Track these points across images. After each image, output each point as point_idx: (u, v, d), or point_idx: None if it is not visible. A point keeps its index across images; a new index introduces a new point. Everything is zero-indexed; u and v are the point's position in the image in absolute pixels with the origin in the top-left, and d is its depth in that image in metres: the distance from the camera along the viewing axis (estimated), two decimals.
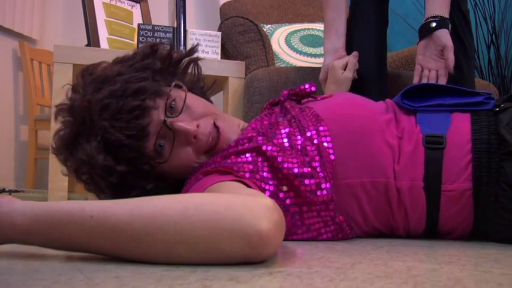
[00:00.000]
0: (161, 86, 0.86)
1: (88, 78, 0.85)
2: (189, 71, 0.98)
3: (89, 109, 0.80)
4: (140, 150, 0.82)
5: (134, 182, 0.83)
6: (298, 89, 0.99)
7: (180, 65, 0.96)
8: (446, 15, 1.21)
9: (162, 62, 0.91)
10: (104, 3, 1.92)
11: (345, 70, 1.31)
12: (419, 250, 0.73)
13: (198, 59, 0.98)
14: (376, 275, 0.52)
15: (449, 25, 1.21)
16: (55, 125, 0.87)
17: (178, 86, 0.88)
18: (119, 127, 0.79)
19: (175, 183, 0.88)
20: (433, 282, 0.49)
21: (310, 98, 1.01)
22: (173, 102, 0.85)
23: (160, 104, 0.84)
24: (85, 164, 0.82)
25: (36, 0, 3.19)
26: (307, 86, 0.99)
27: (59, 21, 3.24)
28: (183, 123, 0.83)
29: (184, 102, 0.85)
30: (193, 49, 0.98)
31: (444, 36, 1.19)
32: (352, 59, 1.32)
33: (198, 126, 0.85)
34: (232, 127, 0.90)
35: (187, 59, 0.97)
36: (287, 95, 0.99)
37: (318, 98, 0.99)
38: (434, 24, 1.20)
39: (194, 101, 0.88)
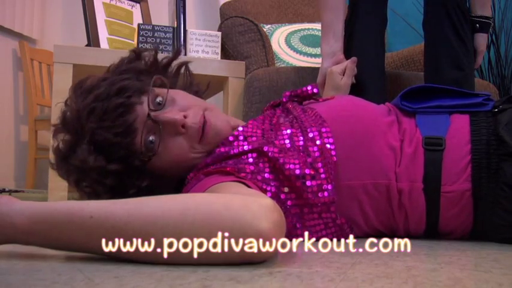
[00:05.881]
0: (145, 84, 0.86)
1: (78, 91, 0.87)
2: (182, 75, 0.98)
3: (78, 117, 0.82)
4: (129, 148, 0.82)
5: (129, 181, 0.83)
6: (300, 90, 0.98)
7: (169, 68, 0.97)
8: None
9: (147, 64, 0.93)
10: (104, 3, 1.92)
11: (343, 75, 1.30)
12: (419, 250, 0.73)
13: (187, 62, 0.99)
14: (376, 275, 0.52)
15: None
16: (54, 143, 0.87)
17: (160, 82, 0.88)
18: (106, 127, 0.80)
19: (177, 183, 0.88)
20: (433, 282, 0.49)
21: (311, 100, 1.00)
22: (159, 98, 0.85)
23: (145, 100, 0.84)
24: (80, 171, 0.82)
25: (36, 0, 3.19)
26: (309, 87, 0.98)
27: (59, 21, 3.24)
28: (168, 113, 0.83)
29: (167, 94, 0.85)
30: (179, 51, 0.99)
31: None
32: (351, 64, 1.30)
33: (185, 116, 0.84)
34: (218, 116, 0.89)
35: (176, 62, 0.97)
36: (289, 96, 0.98)
37: (320, 100, 0.99)
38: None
39: (179, 94, 0.88)
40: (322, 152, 0.81)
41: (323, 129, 0.84)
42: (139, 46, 1.76)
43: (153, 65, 0.94)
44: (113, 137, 0.80)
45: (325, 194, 0.78)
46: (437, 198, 0.82)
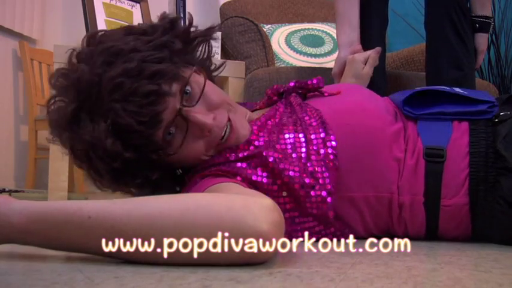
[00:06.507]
0: (179, 69, 0.78)
1: (98, 47, 0.77)
2: (200, 48, 0.90)
3: (99, 85, 0.73)
4: (150, 138, 0.75)
5: (138, 170, 0.78)
6: (304, 83, 0.93)
7: (193, 42, 0.88)
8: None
9: (180, 40, 0.82)
10: (104, 3, 1.92)
11: (365, 64, 1.25)
12: (419, 250, 0.73)
13: (211, 37, 0.90)
14: (376, 275, 0.52)
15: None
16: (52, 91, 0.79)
17: (197, 71, 0.81)
18: (130, 111, 0.72)
19: (176, 178, 0.86)
20: (433, 282, 0.49)
21: (316, 93, 0.95)
22: (189, 88, 0.78)
23: (177, 90, 0.77)
24: (87, 145, 0.74)
25: (36, 0, 3.19)
26: (315, 81, 0.93)
27: (59, 21, 3.24)
28: (200, 115, 0.77)
29: (203, 90, 0.79)
30: (214, 28, 0.89)
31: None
32: (374, 54, 1.25)
33: (214, 118, 0.79)
34: (243, 122, 0.85)
35: (200, 38, 0.89)
36: (293, 87, 0.94)
37: (325, 94, 0.93)
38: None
39: (211, 89, 0.82)
40: (324, 161, 0.78)
41: (327, 138, 0.81)
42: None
43: (184, 39, 0.83)
44: (136, 124, 0.72)
45: (324, 206, 0.76)
46: (436, 212, 0.81)
